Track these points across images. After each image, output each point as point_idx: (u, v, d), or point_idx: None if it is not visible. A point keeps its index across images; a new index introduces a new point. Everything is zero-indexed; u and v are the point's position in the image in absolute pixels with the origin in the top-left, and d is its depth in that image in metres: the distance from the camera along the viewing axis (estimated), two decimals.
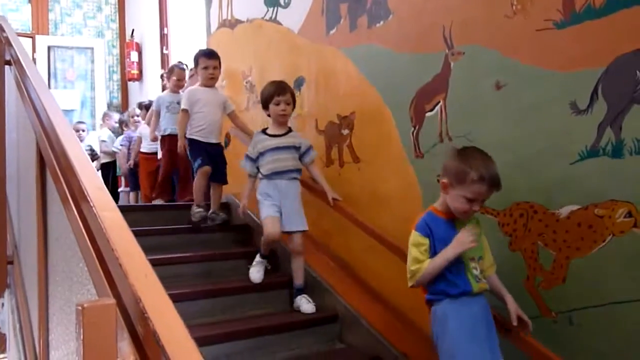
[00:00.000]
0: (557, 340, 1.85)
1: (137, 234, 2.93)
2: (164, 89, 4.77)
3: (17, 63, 2.27)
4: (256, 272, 2.82)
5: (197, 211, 3.37)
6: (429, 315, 1.86)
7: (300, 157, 2.80)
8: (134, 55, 6.63)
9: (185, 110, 3.35)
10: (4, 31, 2.75)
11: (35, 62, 6.55)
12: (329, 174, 3.00)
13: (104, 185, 1.02)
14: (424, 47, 2.43)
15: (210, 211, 3.43)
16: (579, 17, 1.80)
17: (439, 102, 2.35)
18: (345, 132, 2.96)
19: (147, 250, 2.87)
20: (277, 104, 2.74)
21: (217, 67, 3.43)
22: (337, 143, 3.04)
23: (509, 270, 2.03)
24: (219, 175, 3.45)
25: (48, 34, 6.87)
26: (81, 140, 6.04)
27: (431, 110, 2.40)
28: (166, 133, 4.17)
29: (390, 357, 2.37)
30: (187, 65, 4.28)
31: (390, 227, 2.52)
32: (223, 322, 2.57)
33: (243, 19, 4.11)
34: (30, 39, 6.68)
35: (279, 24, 3.63)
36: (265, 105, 2.80)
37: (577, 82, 1.80)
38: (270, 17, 3.73)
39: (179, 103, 3.74)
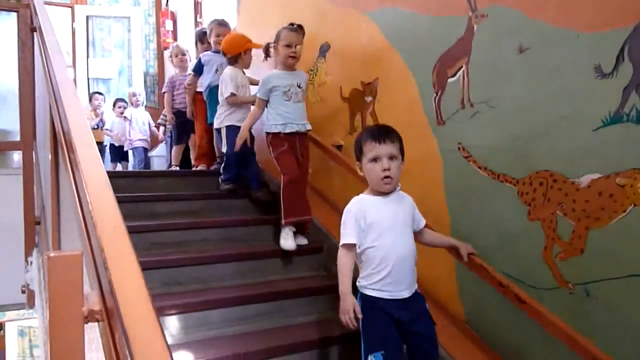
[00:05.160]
0: (573, 312, 1.79)
1: (165, 199, 2.96)
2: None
3: (39, 30, 2.31)
4: None
5: None
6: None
7: None
8: (168, 24, 6.67)
9: (349, 246, 1.89)
10: None
11: (74, 32, 6.71)
12: (352, 143, 2.95)
13: (94, 142, 1.03)
14: (448, 9, 2.34)
15: None
16: None
17: (462, 67, 2.27)
18: (369, 99, 2.91)
19: (174, 215, 2.90)
20: None
21: (397, 156, 1.89)
22: (361, 110, 2.99)
23: (527, 240, 1.97)
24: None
25: (86, 4, 6.99)
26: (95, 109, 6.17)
27: (453, 75, 2.32)
28: None
29: None
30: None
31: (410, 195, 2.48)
32: (244, 286, 2.61)
33: None
34: (70, 9, 6.81)
35: None
36: None
37: (603, 44, 1.70)
38: None
39: None
